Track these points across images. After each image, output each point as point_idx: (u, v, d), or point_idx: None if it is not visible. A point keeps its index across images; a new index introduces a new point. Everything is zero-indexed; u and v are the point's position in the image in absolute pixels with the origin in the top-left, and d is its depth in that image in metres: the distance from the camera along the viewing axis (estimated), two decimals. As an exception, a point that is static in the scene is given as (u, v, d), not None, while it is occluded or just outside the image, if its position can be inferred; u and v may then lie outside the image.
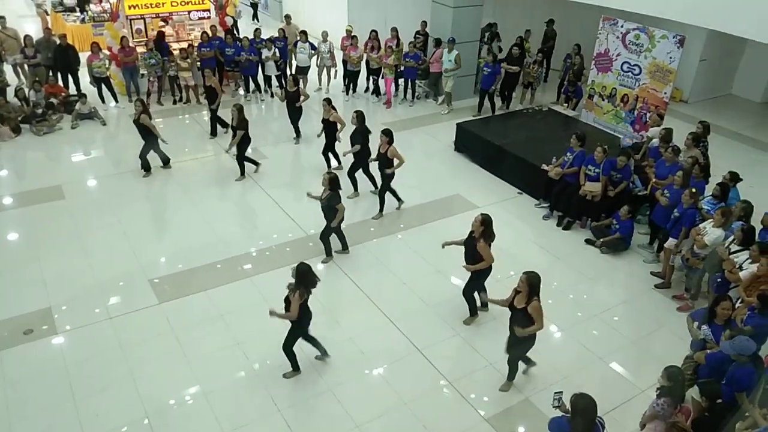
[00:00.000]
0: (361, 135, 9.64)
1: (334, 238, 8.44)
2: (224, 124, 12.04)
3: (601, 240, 8.95)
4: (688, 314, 6.57)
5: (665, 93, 11.31)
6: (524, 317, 5.87)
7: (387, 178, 9.37)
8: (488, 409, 6.30)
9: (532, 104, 13.79)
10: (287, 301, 6.15)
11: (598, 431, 4.70)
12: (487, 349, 6.98)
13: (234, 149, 10.34)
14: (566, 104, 13.69)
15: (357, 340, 7.15)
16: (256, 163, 10.81)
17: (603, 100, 12.43)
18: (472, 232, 6.94)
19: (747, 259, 6.82)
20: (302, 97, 11.57)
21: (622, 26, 11.69)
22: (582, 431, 4.55)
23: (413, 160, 11.81)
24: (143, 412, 6.03)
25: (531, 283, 5.81)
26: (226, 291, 7.80)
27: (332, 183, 7.91)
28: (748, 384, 5.21)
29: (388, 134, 9.11)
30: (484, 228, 6.80)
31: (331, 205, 7.92)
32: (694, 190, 7.83)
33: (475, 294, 7.36)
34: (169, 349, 6.84)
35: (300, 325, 6.35)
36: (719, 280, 7.11)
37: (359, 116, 9.76)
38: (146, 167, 10.61)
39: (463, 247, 7.08)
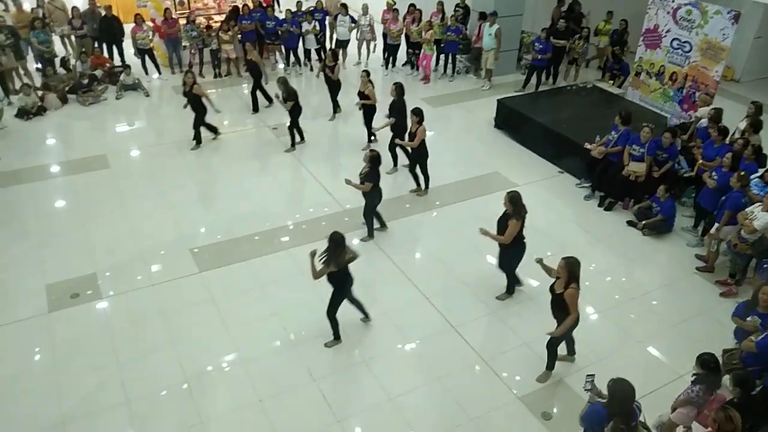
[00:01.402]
0: (398, 108, 9.51)
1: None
2: (269, 98, 12.10)
3: (644, 222, 8.74)
4: (733, 315, 6.37)
5: (716, 71, 10.89)
6: (561, 303, 5.78)
7: (413, 155, 9.30)
8: (521, 388, 6.28)
9: (577, 81, 13.45)
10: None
11: (635, 415, 4.65)
12: (521, 329, 6.94)
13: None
14: (611, 81, 13.36)
15: (392, 315, 7.20)
16: (301, 136, 10.88)
17: (650, 77, 12.04)
18: (506, 211, 6.90)
19: (798, 245, 6.59)
20: (336, 72, 11.45)
21: (673, 1, 11.25)
22: (620, 415, 4.49)
23: (452, 137, 11.76)
24: (183, 377, 6.21)
25: (569, 270, 5.68)
26: (263, 262, 7.92)
27: (372, 161, 7.87)
28: None
29: (418, 114, 8.90)
30: (513, 206, 6.77)
31: (365, 180, 7.90)
32: (743, 173, 7.55)
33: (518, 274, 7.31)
34: (208, 317, 7.00)
35: (340, 292, 6.46)
36: (766, 265, 6.89)
37: (398, 88, 9.65)
38: (198, 139, 10.72)
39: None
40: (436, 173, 10.10)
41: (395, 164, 10.01)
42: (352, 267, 6.43)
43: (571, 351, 6.52)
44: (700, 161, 8.62)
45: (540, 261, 6.30)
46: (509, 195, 6.82)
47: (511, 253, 7.10)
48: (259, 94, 12.06)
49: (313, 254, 6.26)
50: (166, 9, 13.24)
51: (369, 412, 5.96)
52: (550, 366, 6.34)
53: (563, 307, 5.78)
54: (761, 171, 7.81)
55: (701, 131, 9.34)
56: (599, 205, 9.41)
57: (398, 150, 9.85)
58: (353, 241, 8.37)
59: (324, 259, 6.17)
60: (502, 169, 10.35)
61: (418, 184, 9.51)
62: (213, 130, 10.94)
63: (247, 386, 6.14)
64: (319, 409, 5.94)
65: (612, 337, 7.01)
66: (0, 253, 7.85)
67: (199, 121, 10.56)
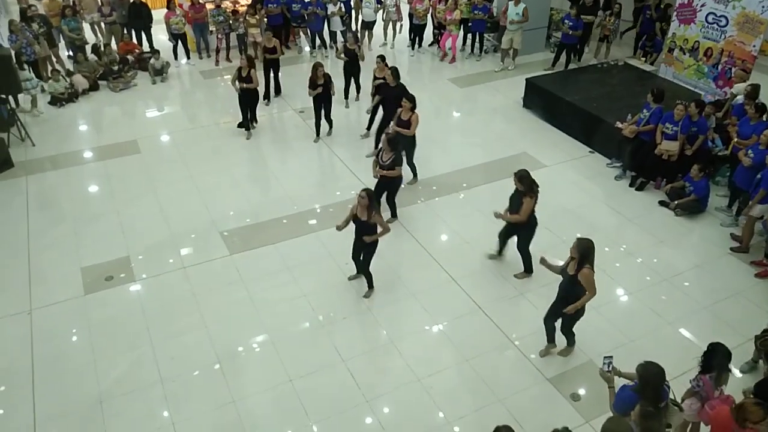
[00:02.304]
0: (396, 95, 9.17)
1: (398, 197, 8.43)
2: (279, 90, 12.04)
3: (676, 202, 8.57)
4: None
5: (754, 46, 10.54)
6: (573, 284, 5.71)
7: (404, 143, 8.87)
8: (550, 369, 6.27)
9: (607, 58, 13.16)
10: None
11: (665, 395, 4.61)
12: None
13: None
14: (643, 58, 13.04)
15: (419, 296, 7.22)
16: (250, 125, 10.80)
17: (684, 54, 11.71)
18: (517, 189, 6.95)
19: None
20: (360, 55, 11.34)
21: (708, -26, 10.90)
22: (650, 398, 4.45)
23: (479, 117, 11.65)
24: (215, 357, 6.34)
25: (581, 250, 5.60)
26: (292, 245, 7.99)
27: (392, 143, 7.84)
28: None
29: (412, 100, 8.60)
30: (523, 184, 6.80)
31: (393, 166, 7.88)
32: (780, 150, 7.35)
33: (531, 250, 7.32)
34: (239, 299, 7.12)
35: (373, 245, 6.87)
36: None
37: (393, 72, 9.41)
38: (252, 120, 10.79)
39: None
40: (462, 154, 10.07)
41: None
42: (379, 248, 6.46)
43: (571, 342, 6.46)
44: (736, 139, 8.40)
45: (543, 261, 6.22)
46: (518, 174, 6.88)
47: (524, 232, 7.13)
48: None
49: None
50: (193, -7, 13.31)
51: (397, 392, 6.01)
52: (570, 343, 6.37)
53: (574, 289, 5.72)
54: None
55: (737, 108, 9.08)
56: (630, 185, 9.25)
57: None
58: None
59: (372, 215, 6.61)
60: (530, 149, 10.22)
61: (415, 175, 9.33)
62: (251, 123, 10.84)
63: (278, 366, 6.25)
64: (348, 389, 6.02)
65: (643, 318, 6.93)
66: (38, 237, 8.08)
67: (251, 108, 10.56)
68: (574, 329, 6.24)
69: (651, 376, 4.46)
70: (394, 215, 8.40)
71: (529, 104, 11.57)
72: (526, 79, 11.66)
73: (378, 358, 6.41)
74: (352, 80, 11.65)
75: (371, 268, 7.08)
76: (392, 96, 9.24)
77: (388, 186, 8.07)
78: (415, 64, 14.07)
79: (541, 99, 11.28)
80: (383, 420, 5.76)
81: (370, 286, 7.20)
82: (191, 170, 9.65)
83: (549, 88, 11.19)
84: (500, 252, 7.70)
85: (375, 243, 6.83)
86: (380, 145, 8.08)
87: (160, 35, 13.93)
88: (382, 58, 10.13)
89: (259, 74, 10.78)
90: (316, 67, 9.82)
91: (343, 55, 11.36)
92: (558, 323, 6.22)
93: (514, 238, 7.39)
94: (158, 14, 14.06)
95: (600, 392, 5.89)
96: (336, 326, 6.77)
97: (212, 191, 9.13)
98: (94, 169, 9.75)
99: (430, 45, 14.54)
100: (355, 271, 7.39)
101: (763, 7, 10.21)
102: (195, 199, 8.94)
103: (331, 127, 10.63)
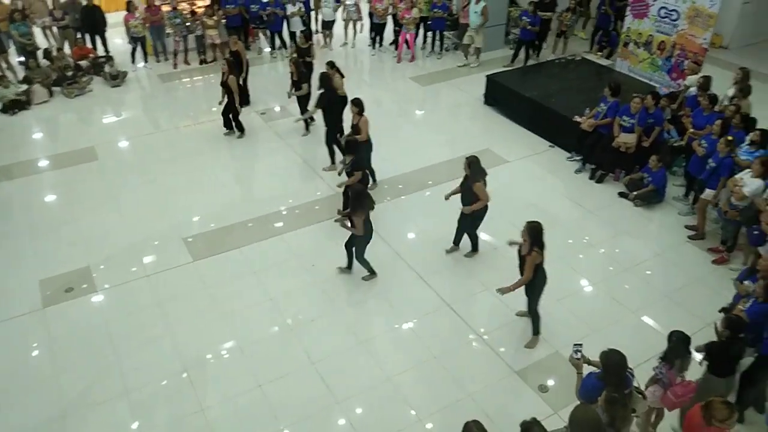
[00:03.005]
0: (328, 99, 9.23)
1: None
2: (247, 99, 11.79)
3: (635, 193, 8.76)
4: (735, 279, 6.42)
5: (704, 39, 10.84)
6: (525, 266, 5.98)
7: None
8: (518, 362, 6.35)
9: (565, 53, 13.38)
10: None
11: (629, 382, 4.72)
12: (517, 304, 6.96)
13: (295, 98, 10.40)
14: (600, 53, 13.29)
15: (388, 295, 7.23)
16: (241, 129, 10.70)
17: (638, 47, 11.99)
18: (466, 176, 7.13)
19: (787, 210, 6.61)
20: (311, 54, 11.34)
21: (659, -31, 11.17)
22: (613, 384, 4.55)
23: (442, 115, 11.71)
24: (182, 366, 6.24)
25: (530, 232, 5.86)
26: (258, 248, 7.91)
27: (348, 147, 7.83)
28: None
29: (358, 105, 8.49)
30: (472, 168, 7.01)
31: (353, 170, 7.87)
32: (730, 138, 7.56)
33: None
34: (205, 306, 7.02)
35: (364, 238, 6.98)
36: (756, 232, 6.93)
37: (322, 80, 9.29)
38: (241, 128, 10.58)
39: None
40: (427, 151, 10.11)
41: (333, 161, 9.59)
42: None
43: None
44: (691, 130, 8.62)
45: (510, 242, 6.42)
46: (468, 160, 7.09)
47: (475, 216, 7.34)
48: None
49: (340, 213, 7.08)
50: (149, -4, 13.05)
51: (368, 392, 6.01)
52: (535, 331, 6.51)
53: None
54: (749, 136, 7.81)
55: (690, 99, 9.32)
56: (590, 178, 9.42)
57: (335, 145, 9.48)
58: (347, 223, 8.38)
59: (352, 210, 6.75)
60: (493, 145, 10.32)
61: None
62: (240, 128, 10.67)
63: (246, 372, 6.18)
64: (318, 391, 5.99)
65: (607, 308, 7.07)
66: (-8, 250, 7.83)
67: (229, 110, 10.35)
68: (539, 311, 6.42)
69: (612, 364, 4.56)
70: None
71: (491, 101, 11.68)
72: (487, 76, 11.77)
73: (348, 359, 6.39)
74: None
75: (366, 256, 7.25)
76: (325, 100, 9.19)
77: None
78: (377, 63, 14.08)
79: (502, 95, 11.40)
80: (355, 421, 5.75)
81: (371, 272, 7.39)
82: (152, 176, 9.47)
83: (509, 85, 11.32)
84: (457, 243, 7.84)
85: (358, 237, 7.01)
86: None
87: (116, 39, 13.64)
88: (331, 64, 9.90)
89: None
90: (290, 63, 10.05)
91: (294, 55, 11.20)
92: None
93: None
94: (113, 18, 13.74)
95: (568, 382, 5.99)
96: (304, 329, 6.73)
97: (175, 196, 8.98)
98: (50, 178, 9.49)
99: (390, 44, 14.56)
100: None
101: (711, 1, 10.51)
102: (157, 205, 8.78)
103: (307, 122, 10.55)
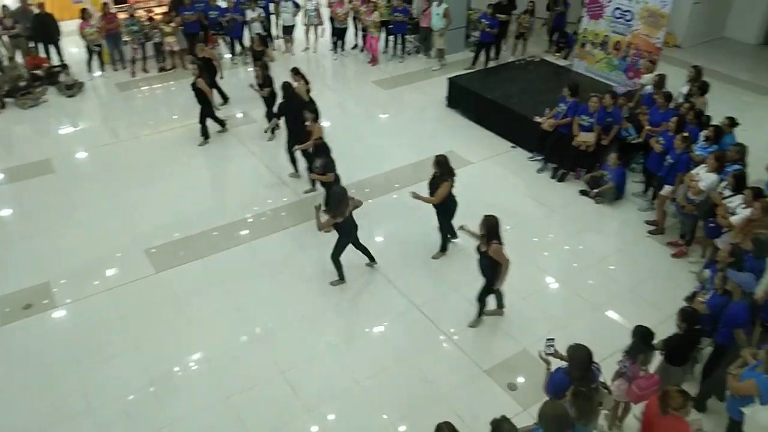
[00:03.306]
0: (289, 109, 9.11)
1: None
2: (225, 97, 11.80)
3: (595, 190, 8.94)
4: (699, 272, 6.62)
5: (658, 38, 11.13)
6: (487, 261, 6.13)
7: (309, 157, 8.74)
8: (487, 361, 6.41)
9: (524, 55, 13.57)
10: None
11: (594, 376, 4.81)
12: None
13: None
14: (558, 54, 13.52)
15: (356, 299, 7.23)
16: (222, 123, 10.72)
17: (595, 48, 12.24)
18: (435, 174, 7.25)
19: (740, 203, 6.81)
20: (267, 58, 11.32)
21: (612, -30, 11.43)
22: (578, 378, 4.64)
23: (405, 118, 11.76)
24: (148, 380, 6.12)
25: (487, 226, 6.03)
26: (223, 258, 7.82)
27: (318, 150, 7.82)
28: (744, 319, 5.29)
29: (313, 111, 8.61)
30: (440, 168, 7.13)
31: (325, 173, 7.87)
32: (686, 134, 7.77)
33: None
34: (170, 318, 6.89)
35: (346, 237, 7.04)
36: (711, 225, 7.15)
37: (282, 87, 9.20)
38: (205, 134, 10.47)
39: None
40: (392, 155, 10.13)
41: (296, 168, 9.47)
42: (313, 254, 6.38)
43: (500, 305, 6.89)
44: (647, 127, 8.83)
45: (462, 228, 6.72)
46: (436, 158, 7.20)
47: (442, 214, 7.49)
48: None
49: (318, 207, 6.89)
50: (104, 3, 12.76)
51: (338, 399, 5.98)
52: (479, 314, 6.79)
53: (490, 264, 6.14)
54: (703, 132, 8.04)
55: (646, 98, 9.55)
56: (552, 177, 9.57)
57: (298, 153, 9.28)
58: (315, 229, 8.34)
59: (328, 210, 6.80)
60: (456, 147, 10.39)
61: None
62: (221, 123, 10.68)
63: (214, 384, 6.09)
64: (288, 400, 5.94)
65: (572, 304, 7.18)
66: (-55, 269, 7.56)
67: (205, 114, 10.25)
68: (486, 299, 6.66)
69: (577, 358, 4.67)
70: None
71: (453, 103, 11.78)
72: (449, 79, 11.87)
73: (317, 366, 6.35)
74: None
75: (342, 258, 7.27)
76: (285, 110, 9.10)
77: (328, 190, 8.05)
78: (339, 68, 14.07)
79: (464, 97, 11.51)
80: (326, 428, 5.73)
81: (341, 277, 7.37)
82: (112, 187, 9.27)
83: (470, 87, 11.44)
84: (445, 248, 7.90)
85: (341, 235, 7.06)
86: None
87: (71, 48, 13.33)
88: (295, 70, 9.87)
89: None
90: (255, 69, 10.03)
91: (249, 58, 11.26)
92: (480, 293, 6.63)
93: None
94: (67, 26, 13.41)
95: (536, 380, 6.08)
96: (273, 337, 6.67)
97: (136, 207, 8.81)
98: (5, 192, 9.22)
99: (352, 48, 14.57)
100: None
101: (663, 2, 10.80)
102: (118, 216, 8.60)
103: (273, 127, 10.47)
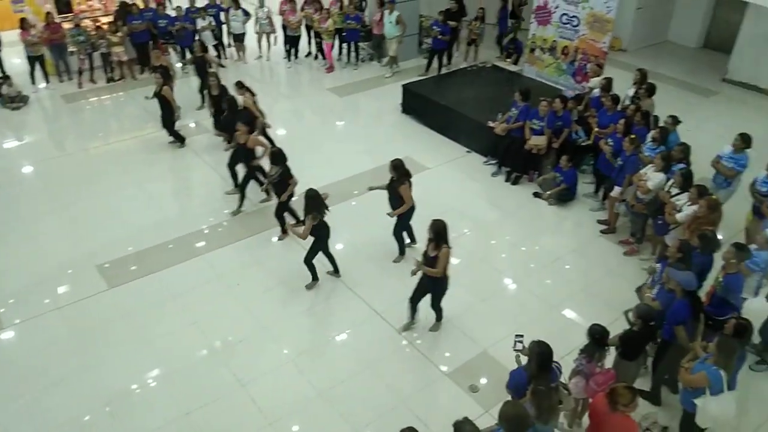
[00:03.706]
0: (229, 121, 8.92)
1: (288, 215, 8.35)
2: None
3: (548, 192, 9.13)
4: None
5: (604, 43, 11.47)
6: (434, 264, 6.18)
7: (250, 171, 8.66)
8: (449, 363, 6.46)
9: (476, 61, 13.78)
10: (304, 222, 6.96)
11: (555, 375, 4.90)
12: (444, 308, 7.06)
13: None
14: (508, 59, 13.76)
15: (316, 308, 7.19)
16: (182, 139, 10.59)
17: (544, 53, 12.53)
18: (392, 178, 7.30)
19: (687, 201, 7.06)
20: (208, 64, 11.33)
21: (558, -22, 11.73)
22: (539, 375, 4.74)
23: (361, 125, 11.79)
24: (104, 400, 5.93)
25: (435, 230, 6.11)
26: (179, 271, 7.66)
27: (274, 157, 7.76)
28: (684, 317, 5.46)
29: (247, 123, 8.49)
30: (397, 172, 7.20)
31: (283, 180, 7.81)
32: (633, 136, 8.02)
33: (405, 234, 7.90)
34: (124, 335, 6.71)
35: (319, 241, 7.14)
36: (660, 222, 7.39)
37: (226, 101, 9.19)
38: (180, 138, 10.45)
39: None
40: (350, 161, 10.12)
41: (236, 184, 9.14)
42: (273, 265, 6.32)
43: (336, 269, 7.29)
44: (596, 129, 9.07)
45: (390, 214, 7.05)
46: (392, 163, 7.26)
47: (404, 216, 7.56)
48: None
49: (290, 225, 7.31)
50: (48, 13, 12.39)
51: (302, 410, 5.93)
52: (439, 318, 6.84)
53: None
54: (650, 134, 8.31)
55: (595, 101, 9.81)
56: (506, 180, 9.73)
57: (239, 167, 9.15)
58: (273, 239, 8.27)
59: (305, 213, 6.87)
60: (413, 153, 10.44)
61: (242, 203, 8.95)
62: (180, 139, 10.52)
63: (173, 400, 5.95)
64: (250, 414, 5.85)
65: (530, 304, 7.31)
66: None
67: (167, 121, 10.14)
68: (442, 304, 6.67)
69: (537, 355, 4.76)
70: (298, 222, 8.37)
71: (408, 109, 11.86)
72: (403, 86, 11.95)
73: (278, 378, 6.27)
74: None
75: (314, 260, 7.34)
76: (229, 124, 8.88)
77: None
78: (294, 76, 14.01)
79: (419, 104, 11.60)
80: (289, 439, 5.67)
81: (314, 278, 7.43)
82: (61, 201, 8.98)
83: (424, 93, 11.54)
84: (403, 251, 7.95)
85: (315, 240, 7.15)
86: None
87: (14, 59, 12.89)
88: (239, 84, 9.73)
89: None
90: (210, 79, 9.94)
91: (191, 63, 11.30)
92: (427, 300, 6.66)
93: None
94: (7, 36, 12.95)
95: (497, 381, 6.16)
96: (232, 350, 6.56)
97: (87, 222, 8.56)
98: (-55, 210, 8.83)
99: (306, 56, 14.53)
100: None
101: (608, 7, 11.15)
102: (68, 232, 8.35)
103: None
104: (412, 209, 7.52)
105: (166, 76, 10.58)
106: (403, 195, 7.24)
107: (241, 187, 8.76)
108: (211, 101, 10.14)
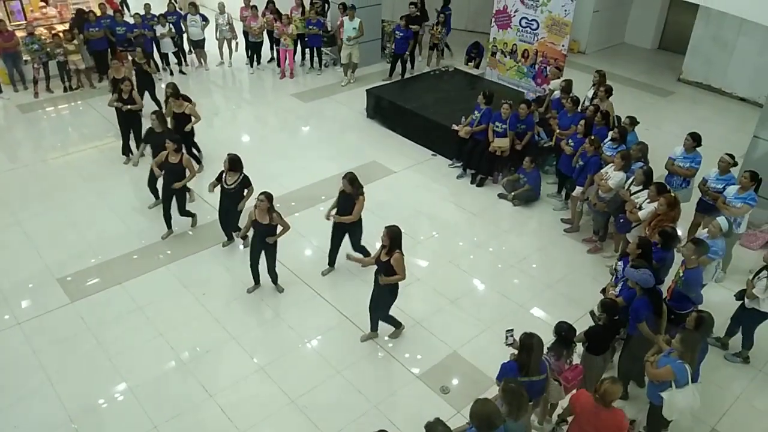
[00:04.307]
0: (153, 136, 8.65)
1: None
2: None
3: (513, 193, 9.26)
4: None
5: (563, 45, 11.70)
6: (388, 270, 6.15)
7: (179, 192, 8.20)
8: (420, 366, 6.48)
9: (439, 65, 13.90)
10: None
11: (544, 368, 5.00)
12: (414, 310, 7.12)
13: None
14: (470, 63, 13.92)
15: (285, 315, 7.13)
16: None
17: (505, 56, 12.71)
18: (342, 191, 7.20)
19: (646, 199, 7.23)
20: (150, 70, 11.23)
21: (516, -18, 11.93)
22: (530, 366, 4.86)
23: (326, 130, 11.76)
24: (68, 417, 5.78)
25: (391, 236, 6.08)
26: (142, 282, 7.51)
27: (232, 164, 7.56)
28: (645, 313, 5.61)
29: (175, 141, 7.91)
30: (353, 186, 7.08)
31: (244, 187, 7.70)
32: (593, 137, 8.19)
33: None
34: (88, 349, 6.54)
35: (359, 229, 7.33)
36: (621, 220, 7.56)
37: (158, 118, 8.59)
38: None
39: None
40: (315, 167, 10.09)
41: (157, 197, 8.84)
42: (239, 272, 6.22)
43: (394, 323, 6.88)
44: (557, 131, 9.24)
45: (349, 257, 6.82)
46: (348, 177, 7.10)
47: (357, 230, 7.48)
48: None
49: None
50: (0, 20, 12.05)
51: (272, 418, 5.87)
52: (396, 325, 6.77)
53: (390, 273, 6.15)
54: (610, 134, 8.50)
55: (555, 102, 9.99)
56: (471, 182, 9.83)
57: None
58: (239, 247, 8.19)
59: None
60: (378, 157, 10.50)
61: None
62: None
63: (141, 414, 5.83)
64: (220, 424, 5.77)
65: (498, 304, 7.39)
66: None
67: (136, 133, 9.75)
68: (391, 313, 6.63)
69: (527, 346, 4.88)
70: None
71: (373, 114, 11.89)
72: (367, 90, 11.98)
73: (248, 386, 6.20)
74: (147, 93, 11.26)
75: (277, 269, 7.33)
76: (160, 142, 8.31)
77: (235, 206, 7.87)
78: (256, 81, 13.91)
79: (383, 108, 11.65)
80: (261, 449, 5.61)
81: (276, 282, 7.42)
82: (17, 215, 8.72)
83: (388, 98, 11.59)
84: (333, 263, 7.81)
85: (276, 243, 7.07)
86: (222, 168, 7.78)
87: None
88: (172, 89, 9.39)
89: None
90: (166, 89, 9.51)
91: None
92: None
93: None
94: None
95: (468, 382, 6.22)
96: (199, 361, 6.46)
97: (46, 235, 8.32)
98: None
99: (269, 62, 14.44)
100: (254, 283, 7.41)
101: (565, 10, 11.38)
102: (27, 245, 8.10)
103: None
104: (361, 220, 7.38)
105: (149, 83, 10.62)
106: (357, 208, 7.11)
107: (185, 213, 8.44)
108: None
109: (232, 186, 7.60)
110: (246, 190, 7.70)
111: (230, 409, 5.91)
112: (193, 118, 9.55)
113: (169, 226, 8.34)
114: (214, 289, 7.44)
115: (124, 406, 5.94)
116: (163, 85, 10.00)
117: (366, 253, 7.54)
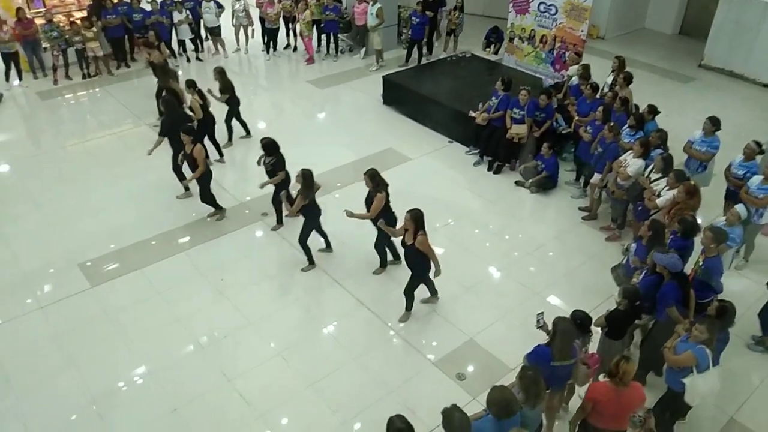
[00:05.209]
0: (167, 124, 8.75)
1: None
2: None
3: (530, 180, 9.20)
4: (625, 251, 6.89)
5: (582, 31, 11.54)
6: (415, 253, 6.25)
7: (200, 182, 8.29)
8: (436, 352, 6.50)
9: (456, 51, 13.79)
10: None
11: (575, 352, 5.00)
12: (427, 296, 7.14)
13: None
14: (488, 49, 13.79)
15: (302, 301, 7.19)
16: (245, 130, 10.49)
17: (523, 42, 12.57)
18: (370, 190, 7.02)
19: (665, 186, 7.15)
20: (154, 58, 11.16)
21: (536, -34, 11.77)
22: (561, 350, 4.87)
23: (343, 117, 11.76)
24: (90, 399, 5.89)
25: (414, 219, 6.14)
26: (160, 267, 7.60)
27: (267, 148, 7.73)
28: (673, 298, 5.57)
29: (189, 132, 8.02)
30: (373, 182, 6.92)
31: (275, 170, 7.78)
32: (612, 124, 8.10)
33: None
34: (108, 333, 6.66)
35: (311, 221, 7.32)
36: (640, 207, 7.49)
37: (162, 101, 8.77)
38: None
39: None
40: (332, 154, 10.09)
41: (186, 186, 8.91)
42: (258, 257, 6.27)
43: (433, 292, 7.01)
44: (576, 117, 9.15)
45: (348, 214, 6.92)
46: (368, 173, 6.92)
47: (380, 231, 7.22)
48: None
49: (284, 196, 7.60)
50: (19, 8, 12.13)
51: (290, 402, 5.94)
52: (408, 308, 6.87)
53: (416, 256, 6.29)
54: (628, 120, 8.40)
55: (573, 89, 9.89)
56: (488, 170, 9.78)
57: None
58: (257, 233, 8.24)
59: (299, 192, 7.01)
60: (395, 144, 10.48)
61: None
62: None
63: (160, 397, 5.93)
64: (238, 407, 5.85)
65: (514, 291, 7.37)
66: None
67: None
68: (415, 293, 6.78)
69: (559, 330, 4.89)
70: (279, 222, 8.37)
71: (389, 101, 11.85)
72: (383, 77, 11.92)
73: (266, 371, 6.27)
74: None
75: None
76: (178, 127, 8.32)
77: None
78: (273, 68, 13.91)
79: (400, 95, 11.60)
80: (279, 432, 5.68)
81: (311, 262, 7.60)
82: (39, 200, 8.86)
83: (405, 84, 11.53)
84: (384, 263, 7.69)
85: (306, 219, 7.34)
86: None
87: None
88: (190, 83, 9.33)
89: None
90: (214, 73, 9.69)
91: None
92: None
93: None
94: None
95: (484, 368, 6.24)
96: (217, 346, 6.54)
97: (68, 220, 8.45)
98: None
99: (285, 48, 14.43)
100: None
101: (584, -5, 11.22)
102: (48, 230, 8.23)
103: (230, 133, 10.39)
104: (394, 220, 7.11)
105: (163, 71, 10.45)
106: (374, 205, 6.87)
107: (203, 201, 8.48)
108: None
109: (267, 169, 7.81)
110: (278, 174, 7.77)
111: (248, 393, 5.99)
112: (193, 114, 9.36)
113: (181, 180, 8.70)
114: (234, 274, 7.51)
115: (144, 389, 6.04)
116: (180, 72, 10.05)
117: (384, 255, 7.55)
